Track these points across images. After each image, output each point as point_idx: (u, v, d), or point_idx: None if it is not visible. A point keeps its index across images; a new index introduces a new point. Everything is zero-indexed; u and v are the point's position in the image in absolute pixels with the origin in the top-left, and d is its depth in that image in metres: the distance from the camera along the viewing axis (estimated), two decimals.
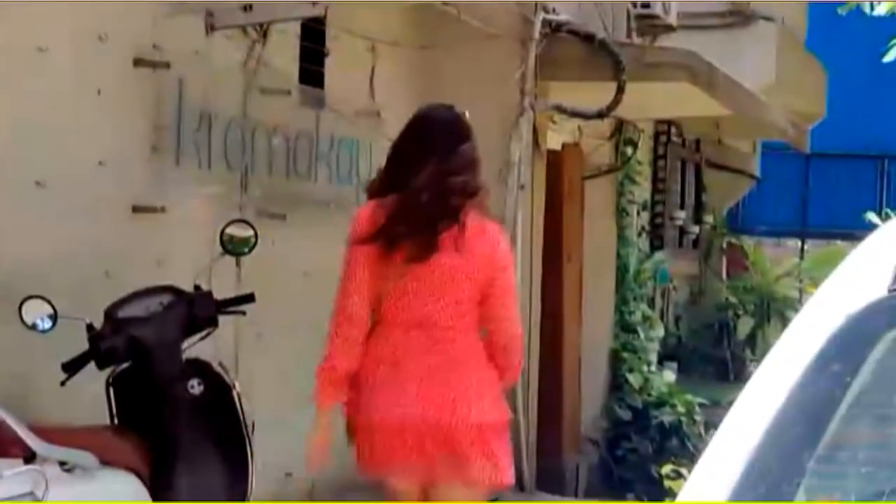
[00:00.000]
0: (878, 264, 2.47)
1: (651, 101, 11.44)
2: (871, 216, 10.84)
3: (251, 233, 6.04)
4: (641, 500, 11.35)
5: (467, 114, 5.63)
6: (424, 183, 5.00)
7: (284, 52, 8.01)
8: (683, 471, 8.05)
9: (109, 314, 5.43)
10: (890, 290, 2.32)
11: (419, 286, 4.98)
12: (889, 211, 10.17)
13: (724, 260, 18.63)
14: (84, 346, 5.35)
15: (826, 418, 2.14)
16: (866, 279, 2.42)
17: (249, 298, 5.86)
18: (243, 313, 6.02)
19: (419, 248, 4.94)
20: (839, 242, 19.40)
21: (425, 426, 4.95)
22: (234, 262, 7.08)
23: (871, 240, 2.80)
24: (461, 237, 4.97)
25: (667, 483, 7.54)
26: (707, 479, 2.15)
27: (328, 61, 8.57)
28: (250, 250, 6.09)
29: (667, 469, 8.39)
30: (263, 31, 7.63)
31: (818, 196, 22.18)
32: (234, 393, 5.62)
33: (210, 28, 7.27)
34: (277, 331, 7.92)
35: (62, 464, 4.72)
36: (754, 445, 2.12)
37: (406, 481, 5.13)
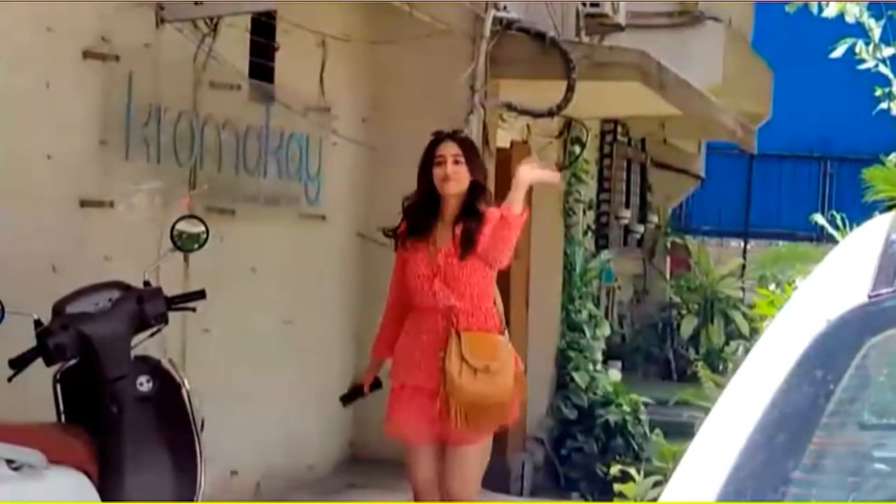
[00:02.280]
0: (858, 268, 2.43)
1: (601, 100, 11.43)
2: (818, 218, 10.87)
3: (202, 229, 5.96)
4: (587, 499, 11.34)
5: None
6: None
7: (235, 46, 7.93)
8: (632, 471, 8.02)
9: (57, 310, 5.34)
10: (870, 296, 2.29)
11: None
12: (834, 213, 10.20)
13: (669, 259, 18.69)
14: (31, 342, 5.25)
15: (810, 426, 2.10)
16: (846, 283, 2.38)
17: (200, 295, 5.78)
18: (193, 310, 5.93)
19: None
20: (780, 243, 19.51)
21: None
22: (182, 258, 7.02)
23: (848, 241, 2.77)
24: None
25: (616, 486, 7.51)
26: (689, 487, 2.10)
27: (278, 56, 8.51)
28: (201, 246, 6.01)
29: (615, 469, 8.36)
30: (214, 25, 7.54)
31: (761, 196, 22.31)
32: (184, 390, 5.53)
33: (160, 21, 7.18)
34: (225, 327, 7.85)
35: (9, 462, 4.64)
36: (737, 453, 2.08)
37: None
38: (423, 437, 6.21)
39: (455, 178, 6.18)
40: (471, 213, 6.16)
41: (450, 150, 6.24)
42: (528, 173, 5.93)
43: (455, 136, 6.38)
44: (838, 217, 9.77)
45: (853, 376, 2.17)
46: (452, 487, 6.17)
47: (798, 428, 2.10)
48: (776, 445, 2.07)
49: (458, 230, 6.15)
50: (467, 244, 6.09)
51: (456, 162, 6.19)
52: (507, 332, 6.29)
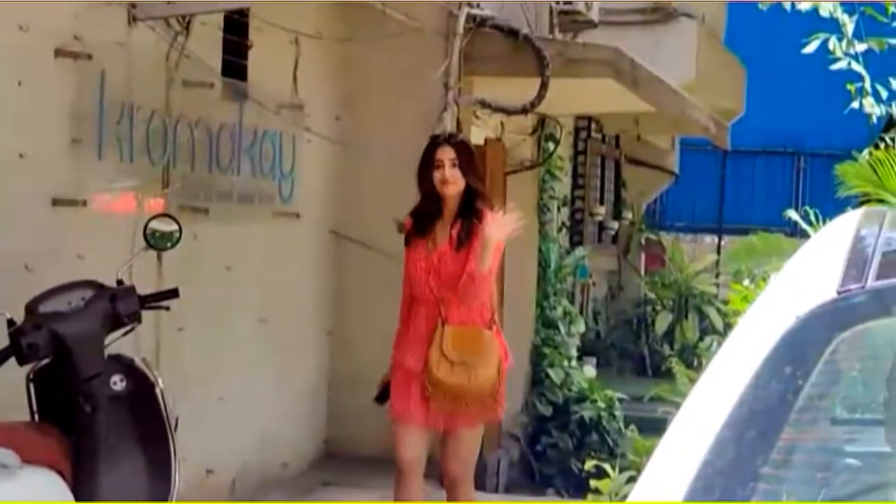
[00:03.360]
0: (826, 264, 2.44)
1: (574, 97, 11.44)
2: (791, 213, 10.90)
3: (175, 227, 5.95)
4: (562, 495, 11.35)
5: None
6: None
7: (207, 44, 7.91)
8: (607, 467, 8.04)
9: (30, 309, 5.31)
10: (839, 292, 2.29)
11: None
12: (808, 208, 10.23)
13: (643, 256, 18.73)
14: (4, 341, 5.23)
15: (779, 422, 2.11)
16: (815, 279, 2.39)
17: (173, 293, 5.76)
18: (167, 308, 5.92)
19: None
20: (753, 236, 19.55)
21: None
22: (155, 257, 7.00)
23: (818, 237, 2.78)
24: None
25: (592, 482, 7.53)
26: (658, 484, 2.11)
27: (251, 54, 8.49)
28: (174, 245, 5.99)
29: (589, 465, 8.38)
30: (186, 24, 7.53)
31: (735, 192, 22.36)
32: (158, 389, 5.52)
33: (132, 19, 7.15)
34: (199, 325, 7.84)
35: None
36: (706, 450, 2.08)
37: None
38: (413, 418, 6.60)
39: (452, 181, 6.60)
40: (467, 211, 6.61)
41: (447, 154, 6.65)
42: (496, 233, 6.37)
43: (451, 140, 6.81)
44: (811, 212, 9.82)
45: (822, 372, 2.18)
46: (450, 468, 6.71)
47: (767, 424, 2.10)
48: (745, 442, 2.08)
49: (456, 228, 6.60)
50: (462, 241, 6.54)
51: (453, 165, 6.62)
52: (495, 327, 6.63)
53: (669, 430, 2.25)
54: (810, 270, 2.49)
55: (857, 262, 2.39)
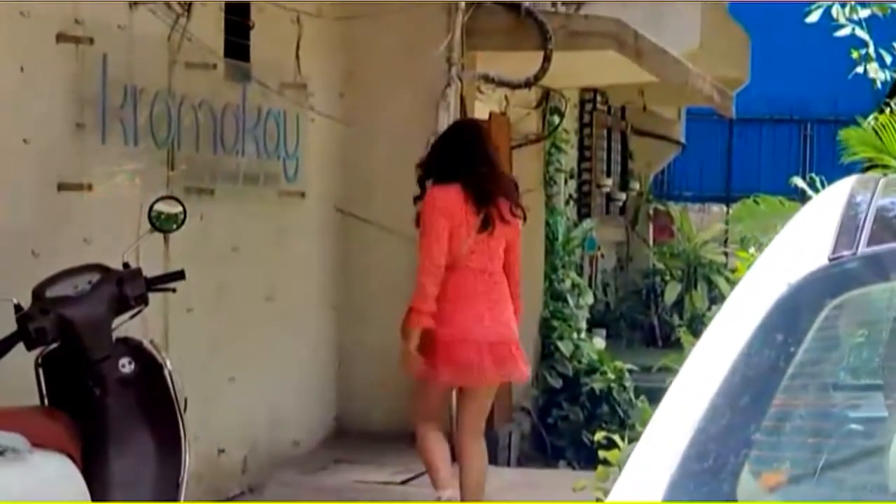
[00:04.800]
0: (819, 231, 2.46)
1: (578, 69, 11.44)
2: (797, 180, 10.90)
3: (180, 209, 5.97)
4: (574, 467, 11.38)
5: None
6: (485, 172, 6.96)
7: (209, 25, 7.93)
8: (616, 438, 8.05)
9: (37, 294, 5.34)
10: (830, 259, 2.31)
11: (483, 246, 6.95)
12: (813, 175, 10.23)
13: (651, 226, 18.72)
14: (11, 326, 5.26)
15: (771, 389, 2.13)
16: (807, 247, 2.41)
17: (179, 275, 5.79)
18: (173, 290, 5.95)
19: (483, 220, 6.92)
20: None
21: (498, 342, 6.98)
22: (162, 239, 7.02)
23: (811, 205, 2.80)
24: (504, 210, 6.96)
25: (601, 453, 7.53)
26: (653, 451, 2.13)
27: (253, 34, 8.50)
28: (179, 227, 6.02)
29: (599, 436, 8.40)
30: (187, 5, 7.54)
31: (742, 161, 22.35)
32: (166, 371, 5.55)
33: (133, 2, 7.17)
34: (207, 306, 7.87)
35: None
36: (699, 417, 2.11)
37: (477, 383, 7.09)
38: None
39: None
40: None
41: None
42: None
43: None
44: (817, 179, 9.81)
45: (814, 339, 2.20)
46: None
47: (759, 391, 2.13)
48: (738, 409, 2.10)
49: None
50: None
51: None
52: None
53: (665, 399, 2.27)
54: (803, 238, 2.51)
55: (848, 229, 2.41)
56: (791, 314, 2.24)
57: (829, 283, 2.28)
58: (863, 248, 2.32)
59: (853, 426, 2.30)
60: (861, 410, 2.35)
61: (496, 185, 7.02)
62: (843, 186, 2.78)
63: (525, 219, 7.20)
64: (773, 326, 2.22)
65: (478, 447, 7.22)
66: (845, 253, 2.32)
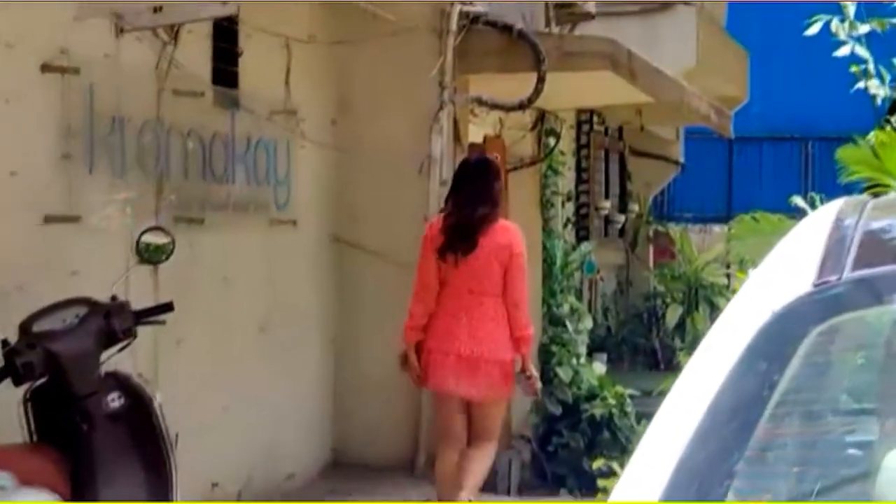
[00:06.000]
0: (804, 256, 2.47)
1: (572, 90, 11.46)
2: (797, 200, 10.91)
3: (168, 239, 5.99)
4: (575, 496, 11.37)
5: (497, 157, 9.30)
6: (465, 210, 7.75)
7: (197, 52, 7.96)
8: (615, 465, 8.07)
9: (24, 328, 5.36)
10: (815, 284, 2.32)
11: (466, 270, 7.71)
12: (814, 194, 10.24)
13: (651, 248, 18.73)
14: None
15: (754, 419, 2.14)
16: (792, 273, 2.42)
17: (168, 307, 5.80)
18: (163, 322, 5.96)
19: (463, 250, 7.72)
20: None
21: (471, 356, 7.68)
22: (151, 270, 7.04)
23: (797, 230, 2.81)
24: (489, 237, 7.70)
25: (600, 482, 7.56)
26: (637, 481, 2.14)
27: (242, 61, 8.53)
28: (168, 257, 6.04)
29: (598, 464, 8.40)
30: (174, 33, 7.57)
31: (743, 180, 22.36)
32: (155, 405, 5.56)
33: (119, 31, 7.19)
34: (198, 338, 7.88)
35: None
36: (683, 447, 2.12)
37: (454, 392, 7.75)
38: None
39: None
40: None
41: None
42: None
43: None
44: (817, 198, 9.82)
45: (799, 366, 2.21)
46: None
47: (743, 421, 2.14)
48: (721, 439, 2.11)
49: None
50: None
51: None
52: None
53: (650, 429, 2.28)
54: (788, 263, 2.52)
55: (834, 254, 2.42)
56: (775, 342, 2.25)
57: (814, 309, 2.29)
58: (848, 273, 2.33)
59: (840, 453, 2.31)
60: (848, 437, 2.36)
61: (468, 220, 7.77)
62: (831, 210, 2.79)
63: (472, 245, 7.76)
64: (756, 354, 2.23)
65: (476, 451, 7.84)
66: (830, 278, 2.33)
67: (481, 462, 7.88)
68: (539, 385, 8.20)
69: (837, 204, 2.84)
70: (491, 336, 7.73)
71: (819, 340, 2.26)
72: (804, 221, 2.83)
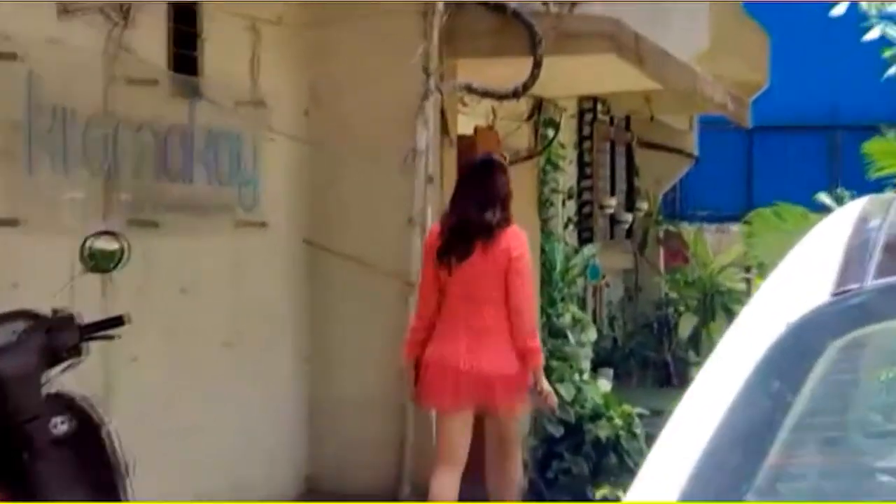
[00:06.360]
0: (822, 262, 2.44)
1: (573, 76, 11.45)
2: (823, 197, 10.91)
3: (119, 245, 5.94)
4: None
5: (507, 158, 9.21)
6: (463, 213, 7.96)
7: (152, 36, 7.94)
8: (622, 494, 8.03)
9: None
10: (834, 294, 2.29)
11: (462, 277, 7.87)
12: (842, 190, 10.24)
13: (662, 251, 18.71)
14: None
15: (765, 445, 2.11)
16: (809, 281, 2.39)
17: (119, 321, 5.75)
18: (113, 338, 5.92)
19: (459, 255, 7.89)
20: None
21: (470, 371, 7.80)
22: (100, 280, 7.00)
23: (815, 232, 2.78)
24: (489, 242, 7.85)
25: None
26: None
27: (203, 45, 8.49)
28: (119, 265, 5.99)
29: (603, 492, 8.39)
30: (125, 13, 7.53)
31: (764, 174, 22.32)
32: (106, 430, 5.51)
33: (64, 11, 7.15)
34: (155, 355, 7.84)
35: None
36: (687, 477, 2.09)
37: (453, 410, 7.93)
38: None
39: None
40: None
41: None
42: None
43: None
44: (846, 195, 9.82)
45: (815, 386, 2.18)
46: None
47: (753, 449, 2.10)
48: (728, 469, 2.08)
49: None
50: None
51: None
52: None
53: (652, 456, 2.25)
54: (805, 269, 2.49)
55: (855, 259, 2.40)
56: (789, 357, 2.22)
57: (833, 321, 2.27)
58: (871, 281, 2.31)
59: (868, 482, 2.28)
60: (878, 463, 2.33)
61: (468, 224, 7.93)
62: (853, 209, 2.76)
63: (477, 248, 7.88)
64: (768, 372, 2.20)
65: (502, 471, 8.14)
66: (851, 287, 2.30)
67: (509, 484, 8.20)
68: (555, 400, 8.31)
69: (860, 203, 2.82)
70: (492, 348, 7.82)
71: (839, 356, 2.23)
72: (823, 223, 2.81)
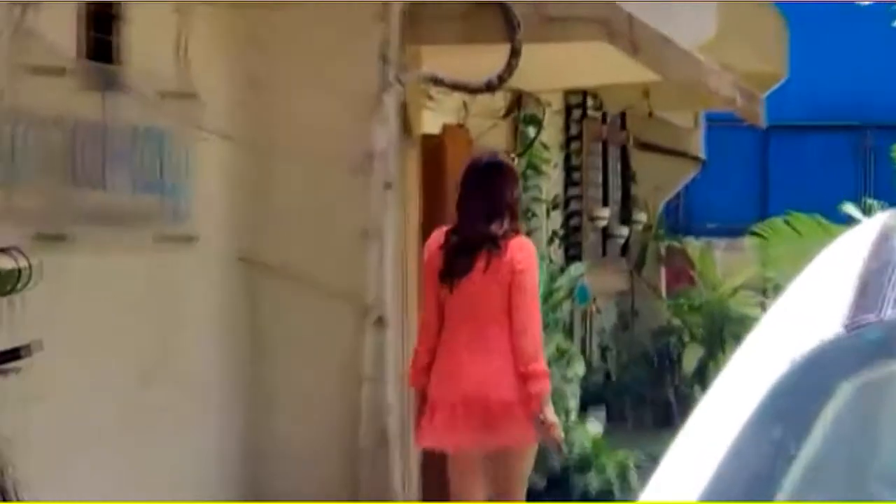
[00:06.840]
0: (834, 289, 2.44)
1: (559, 66, 11.51)
2: (849, 207, 10.95)
3: (22, 263, 5.94)
4: None
5: (514, 158, 9.71)
6: (468, 227, 8.12)
7: (61, 18, 7.93)
8: None
9: None
10: (846, 326, 2.30)
11: (462, 295, 8.04)
12: (871, 199, 10.27)
13: (664, 270, 18.76)
14: None
15: (765, 499, 2.11)
16: (818, 311, 2.39)
17: (17, 354, 5.76)
18: (16, 371, 5.92)
19: (458, 272, 8.04)
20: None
21: (476, 398, 7.92)
22: (2, 303, 6.98)
23: (828, 252, 2.78)
24: (492, 255, 7.99)
25: None
26: None
27: (122, 29, 8.49)
28: (20, 287, 5.99)
29: None
30: None
31: (782, 181, 22.40)
32: (7, 479, 5.52)
33: None
34: (63, 392, 7.81)
35: None
36: None
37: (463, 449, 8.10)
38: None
39: None
40: None
41: None
42: None
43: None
44: (876, 205, 9.85)
45: (824, 432, 2.18)
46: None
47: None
48: None
49: None
50: None
51: None
52: None
53: None
54: (814, 297, 2.49)
55: (873, 286, 2.40)
56: (794, 400, 2.23)
57: (844, 358, 2.27)
58: (889, 312, 2.31)
59: None
60: None
61: (474, 238, 8.09)
62: (873, 226, 2.76)
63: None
64: (770, 417, 2.22)
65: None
66: (867, 318, 2.31)
67: None
68: (561, 434, 8.33)
69: (882, 218, 2.82)
70: (499, 372, 7.93)
71: (850, 398, 2.23)
72: (838, 240, 2.81)
